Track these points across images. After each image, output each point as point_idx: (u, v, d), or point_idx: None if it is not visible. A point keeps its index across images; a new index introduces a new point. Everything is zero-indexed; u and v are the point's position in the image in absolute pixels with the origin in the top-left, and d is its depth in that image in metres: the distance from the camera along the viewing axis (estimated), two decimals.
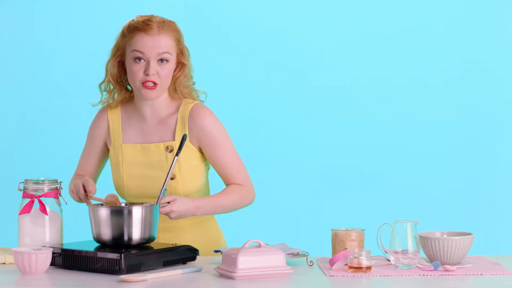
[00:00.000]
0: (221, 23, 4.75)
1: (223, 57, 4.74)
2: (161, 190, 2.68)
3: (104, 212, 2.56)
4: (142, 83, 2.82)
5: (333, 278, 2.41)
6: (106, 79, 2.94)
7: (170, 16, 4.72)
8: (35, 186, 2.66)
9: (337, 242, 2.67)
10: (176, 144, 2.87)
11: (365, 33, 4.80)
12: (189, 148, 2.89)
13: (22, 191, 2.67)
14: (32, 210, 2.64)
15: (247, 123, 4.72)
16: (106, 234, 2.55)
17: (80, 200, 2.80)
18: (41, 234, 2.64)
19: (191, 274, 2.47)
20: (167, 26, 2.86)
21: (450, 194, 4.78)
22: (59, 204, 2.69)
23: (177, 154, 2.70)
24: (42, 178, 2.69)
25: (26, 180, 2.68)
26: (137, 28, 2.85)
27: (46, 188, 2.66)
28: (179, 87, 2.90)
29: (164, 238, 2.91)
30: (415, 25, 4.80)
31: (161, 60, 2.82)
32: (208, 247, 2.89)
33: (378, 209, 4.69)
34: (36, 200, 2.64)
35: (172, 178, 2.86)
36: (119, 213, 2.55)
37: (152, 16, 2.90)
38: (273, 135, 4.76)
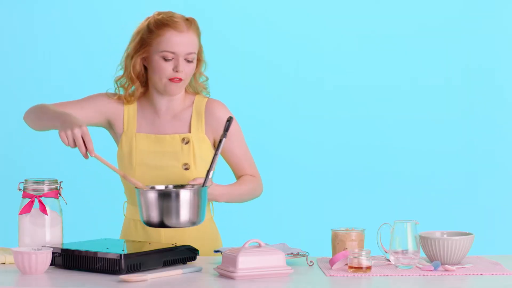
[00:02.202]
0: (221, 23, 4.75)
1: (223, 57, 4.73)
2: (209, 171, 2.67)
3: (152, 195, 2.56)
4: (169, 79, 2.85)
5: (333, 278, 2.41)
6: (125, 75, 2.95)
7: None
8: (35, 186, 2.66)
9: (337, 242, 2.67)
10: (192, 137, 2.91)
11: (365, 34, 4.81)
12: (204, 141, 2.94)
13: (22, 191, 2.67)
14: (32, 210, 2.64)
15: (247, 123, 4.69)
16: (155, 217, 2.55)
17: (73, 147, 2.63)
18: (41, 234, 2.64)
19: (191, 274, 2.47)
20: (193, 24, 2.90)
21: (450, 194, 4.78)
22: (59, 204, 2.69)
23: (224, 136, 2.70)
24: (42, 178, 2.69)
25: (26, 180, 2.68)
26: (165, 24, 2.86)
27: (46, 188, 2.66)
28: (196, 82, 2.96)
29: (166, 236, 2.91)
30: (414, 27, 4.80)
31: (188, 60, 2.86)
32: (206, 247, 2.89)
33: (378, 209, 4.69)
34: (36, 200, 2.64)
35: (186, 169, 2.89)
36: (167, 196, 2.55)
37: (173, 12, 2.92)
38: (273, 135, 4.76)
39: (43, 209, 2.63)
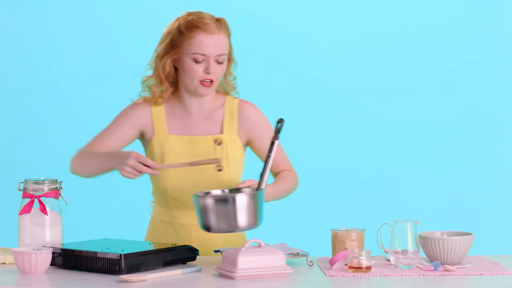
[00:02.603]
0: None
1: None
2: (263, 174, 2.67)
3: (210, 201, 2.56)
4: (200, 81, 2.85)
5: (333, 278, 2.41)
6: (155, 75, 2.93)
7: (171, 14, 4.72)
8: (35, 186, 2.66)
9: (337, 242, 2.67)
10: (224, 137, 2.91)
11: (364, 33, 4.81)
12: (236, 142, 2.94)
13: (22, 191, 2.67)
14: (32, 210, 2.64)
15: None
16: (213, 222, 2.55)
17: (137, 175, 2.73)
18: (41, 234, 2.64)
19: (191, 274, 2.47)
20: (223, 25, 2.89)
21: (450, 194, 4.78)
22: (59, 204, 2.69)
23: (277, 138, 2.70)
24: (42, 178, 2.69)
25: (26, 180, 2.68)
26: (196, 26, 2.85)
27: (46, 188, 2.66)
28: (226, 82, 2.96)
29: (198, 237, 2.91)
30: (414, 26, 4.80)
31: (219, 61, 2.85)
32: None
33: (378, 209, 4.69)
34: (36, 200, 2.64)
35: (219, 170, 2.89)
36: (225, 202, 2.55)
37: (202, 12, 2.91)
38: None
39: (43, 209, 2.63)
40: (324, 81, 4.82)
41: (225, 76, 2.95)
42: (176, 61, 2.90)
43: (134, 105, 2.98)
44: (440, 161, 4.78)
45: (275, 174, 3.01)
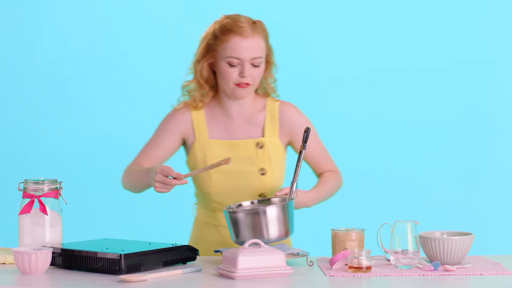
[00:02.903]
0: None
1: None
2: (292, 184, 2.69)
3: (241, 215, 2.58)
4: (236, 84, 2.84)
5: (333, 278, 2.41)
6: (194, 80, 2.93)
7: (171, 13, 4.72)
8: (35, 186, 2.66)
9: (337, 242, 2.67)
10: (266, 141, 2.91)
11: (364, 32, 4.80)
12: (278, 145, 2.94)
13: (22, 191, 2.67)
14: (32, 210, 2.64)
15: None
16: (246, 235, 2.57)
17: (169, 188, 2.74)
18: (41, 234, 2.64)
19: (191, 274, 2.47)
20: (259, 27, 2.88)
21: (450, 194, 4.78)
22: (59, 204, 2.69)
23: (304, 148, 2.71)
24: (42, 178, 2.69)
25: (26, 180, 2.68)
26: (230, 30, 2.85)
27: (46, 188, 2.66)
28: (267, 85, 2.95)
29: (228, 235, 2.91)
30: (413, 25, 4.80)
31: (254, 64, 2.84)
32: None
33: (378, 209, 4.69)
34: (36, 200, 2.64)
35: (263, 174, 2.89)
36: (255, 214, 2.57)
37: (239, 15, 2.90)
38: None
39: (43, 209, 2.63)
40: (323, 81, 4.82)
41: (265, 78, 2.94)
42: (213, 65, 2.91)
43: (174, 112, 2.98)
44: (440, 161, 4.78)
45: (318, 175, 3.02)
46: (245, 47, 2.83)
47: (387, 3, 4.81)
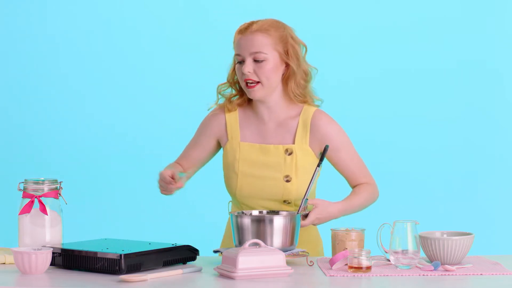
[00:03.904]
0: (221, 21, 4.75)
1: (222, 55, 4.74)
2: (303, 199, 2.71)
3: (247, 221, 2.59)
4: (245, 84, 2.85)
5: (333, 278, 2.41)
6: (227, 83, 2.97)
7: (171, 13, 4.71)
8: (35, 186, 2.66)
9: (337, 242, 2.68)
10: (295, 148, 2.88)
11: (364, 32, 4.81)
12: (307, 153, 2.90)
13: (22, 191, 2.67)
14: (32, 210, 2.64)
15: None
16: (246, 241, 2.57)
17: (170, 191, 2.82)
18: (41, 234, 2.64)
19: (191, 274, 2.47)
20: (264, 24, 2.87)
21: (450, 194, 4.78)
22: (59, 204, 2.69)
23: (318, 165, 2.74)
24: (42, 178, 2.69)
25: (26, 180, 2.68)
26: (237, 31, 2.89)
27: (46, 188, 2.66)
28: (289, 89, 2.90)
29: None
30: (413, 25, 4.80)
31: (257, 59, 2.83)
32: (316, 251, 2.94)
33: (378, 209, 4.68)
34: (36, 200, 2.64)
35: (288, 181, 2.88)
36: (261, 222, 2.59)
37: (255, 20, 2.91)
38: None
39: (43, 209, 2.63)
40: (323, 81, 4.82)
41: (287, 83, 2.89)
42: None
43: (211, 115, 3.00)
44: (440, 161, 4.78)
45: (353, 186, 3.00)
46: (242, 42, 2.85)
47: (387, 3, 4.81)
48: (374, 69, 4.80)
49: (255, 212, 2.74)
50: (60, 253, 2.54)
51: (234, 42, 2.90)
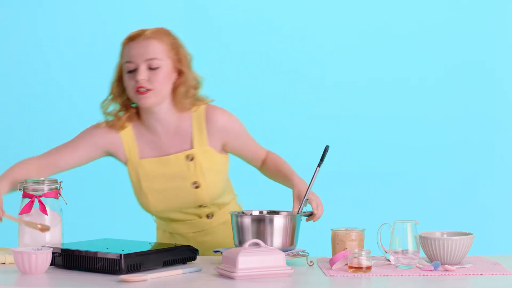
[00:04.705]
0: (221, 21, 4.75)
1: (222, 55, 4.74)
2: (303, 199, 2.71)
3: (247, 221, 2.60)
4: (136, 91, 2.77)
5: (333, 278, 2.41)
6: (110, 98, 2.88)
7: (171, 15, 4.73)
8: (35, 186, 2.66)
9: (337, 242, 2.67)
10: (196, 152, 2.85)
11: (364, 33, 4.80)
12: (210, 154, 2.87)
13: (22, 191, 2.67)
14: (32, 210, 2.64)
15: (246, 122, 4.72)
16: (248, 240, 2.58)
17: None
18: (41, 234, 2.64)
19: (191, 274, 2.47)
20: (156, 31, 2.81)
21: (450, 194, 4.78)
22: (59, 204, 2.69)
23: (319, 165, 2.74)
24: (42, 178, 2.69)
25: (26, 180, 2.68)
26: (127, 39, 2.81)
27: (46, 188, 2.66)
28: (179, 97, 2.83)
29: (204, 242, 2.94)
30: (413, 25, 4.79)
31: (151, 67, 2.77)
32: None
33: (378, 209, 4.69)
34: (36, 200, 2.64)
35: (197, 187, 2.86)
36: (261, 222, 2.59)
37: (145, 28, 2.84)
38: (272, 134, 4.76)
39: (43, 209, 2.63)
40: (323, 81, 4.82)
41: (176, 90, 2.83)
42: (122, 79, 2.85)
43: (100, 129, 2.89)
44: (440, 161, 4.78)
45: (259, 163, 3.00)
46: (135, 49, 2.77)
47: (388, 4, 4.81)
48: (374, 69, 4.80)
49: (255, 212, 2.74)
50: (60, 253, 2.54)
51: (123, 51, 2.81)
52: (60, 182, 2.70)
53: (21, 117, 4.85)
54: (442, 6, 4.79)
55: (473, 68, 4.79)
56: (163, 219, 2.98)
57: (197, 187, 2.86)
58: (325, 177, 4.83)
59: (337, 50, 4.81)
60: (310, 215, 2.75)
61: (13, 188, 2.75)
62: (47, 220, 2.65)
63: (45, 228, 2.61)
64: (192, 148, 2.86)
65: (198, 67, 5.09)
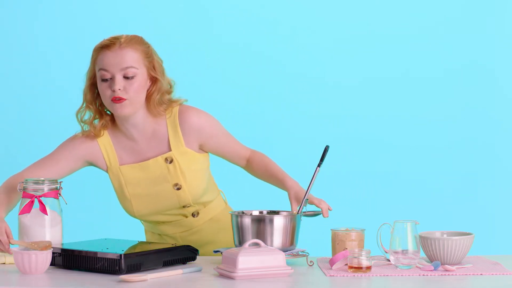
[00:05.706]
0: (221, 22, 4.75)
1: (222, 55, 4.74)
2: (303, 200, 2.71)
3: (247, 221, 2.60)
4: (112, 100, 2.76)
5: (333, 278, 2.41)
6: (84, 106, 2.86)
7: (171, 15, 4.72)
8: (35, 186, 2.66)
9: (337, 242, 2.67)
10: (174, 154, 2.85)
11: (364, 33, 4.80)
12: (188, 154, 2.88)
13: (22, 191, 2.67)
14: (32, 210, 2.64)
15: (246, 122, 4.72)
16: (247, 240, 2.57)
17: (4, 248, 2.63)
18: (41, 234, 2.64)
19: (191, 274, 2.47)
20: (131, 40, 2.79)
21: (450, 194, 4.77)
22: (59, 204, 2.69)
23: (319, 165, 2.75)
24: (42, 178, 2.69)
25: (26, 180, 2.68)
26: (101, 46, 2.79)
27: (46, 188, 2.66)
28: (153, 104, 2.82)
29: (193, 241, 2.94)
30: (413, 25, 4.79)
31: (126, 76, 2.75)
32: (231, 237, 2.90)
33: (378, 209, 4.69)
34: (36, 200, 2.64)
35: (178, 189, 2.87)
36: (261, 221, 2.59)
37: (117, 35, 2.82)
38: (272, 134, 4.76)
39: (43, 209, 2.63)
40: (323, 81, 4.82)
41: (151, 97, 2.82)
42: (95, 86, 2.83)
43: (78, 140, 2.90)
44: (440, 161, 4.78)
45: (243, 161, 2.98)
46: (111, 58, 2.75)
47: (388, 4, 4.81)
48: (374, 69, 4.80)
49: (255, 212, 2.74)
50: (60, 253, 2.54)
51: (95, 59, 2.79)
52: (60, 182, 2.70)
53: (21, 117, 4.85)
54: (442, 6, 4.79)
55: (473, 68, 4.79)
56: (149, 222, 2.99)
57: (178, 189, 2.87)
58: (325, 177, 4.83)
59: (337, 50, 4.80)
60: (314, 215, 2.74)
61: (9, 210, 2.77)
62: (47, 220, 2.65)
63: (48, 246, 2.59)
64: (170, 150, 2.87)
65: (198, 67, 5.12)
